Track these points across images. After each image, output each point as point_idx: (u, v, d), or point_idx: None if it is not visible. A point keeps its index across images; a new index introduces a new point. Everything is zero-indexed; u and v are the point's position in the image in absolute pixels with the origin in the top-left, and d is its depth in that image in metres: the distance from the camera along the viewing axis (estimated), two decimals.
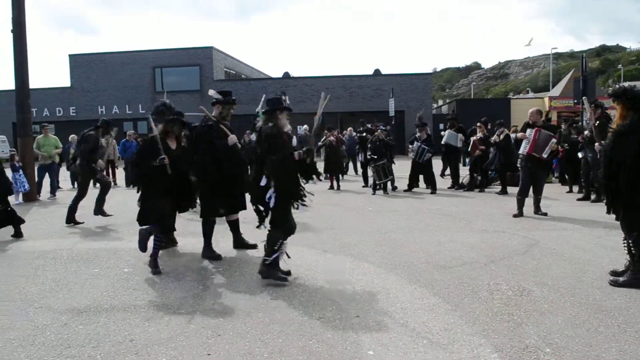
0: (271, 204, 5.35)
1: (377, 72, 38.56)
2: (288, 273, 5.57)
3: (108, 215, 9.78)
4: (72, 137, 17.27)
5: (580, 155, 11.46)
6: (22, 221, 8.46)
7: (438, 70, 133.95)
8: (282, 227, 5.44)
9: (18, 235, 8.29)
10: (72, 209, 9.45)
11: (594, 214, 9.15)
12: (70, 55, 37.62)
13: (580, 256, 6.34)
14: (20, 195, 12.91)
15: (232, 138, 6.58)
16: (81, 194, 9.55)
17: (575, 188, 12.50)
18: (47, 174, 14.21)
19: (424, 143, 13.45)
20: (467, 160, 16.36)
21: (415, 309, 4.60)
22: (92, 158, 9.51)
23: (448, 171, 14.94)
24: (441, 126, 27.74)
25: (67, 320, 4.53)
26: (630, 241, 5.20)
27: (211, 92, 6.89)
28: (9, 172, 12.66)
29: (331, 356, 3.71)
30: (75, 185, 16.62)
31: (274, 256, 5.38)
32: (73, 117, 35.99)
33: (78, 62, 37.27)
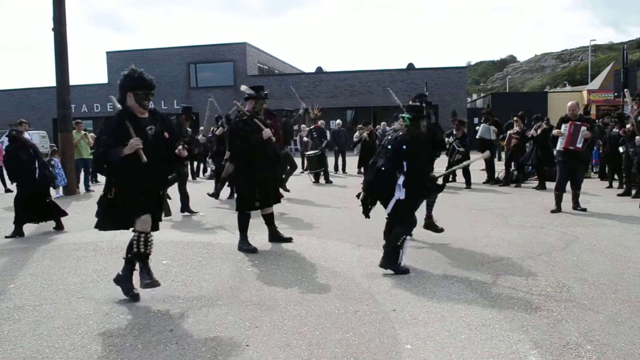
0: (397, 198, 5.66)
1: (410, 66, 38.22)
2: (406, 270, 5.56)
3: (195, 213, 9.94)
4: None
5: (621, 149, 11.17)
6: (64, 214, 8.72)
7: (472, 63, 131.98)
8: (407, 224, 5.71)
9: (59, 227, 8.54)
10: (184, 198, 9.83)
11: (635, 210, 8.92)
12: (107, 52, 38.41)
13: (621, 252, 6.20)
14: (61, 189, 13.26)
15: (266, 132, 6.63)
16: (183, 181, 9.93)
17: (615, 183, 12.20)
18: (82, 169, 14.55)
19: (457, 141, 13.21)
20: (503, 154, 16.12)
21: (453, 304, 4.57)
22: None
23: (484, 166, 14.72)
24: (475, 120, 27.37)
25: (109, 310, 4.64)
26: None
27: (243, 88, 6.97)
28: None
29: (368, 349, 3.71)
30: None
31: (401, 254, 5.55)
32: (110, 113, 36.35)
33: (115, 59, 37.93)
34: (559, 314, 4.29)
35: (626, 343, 3.73)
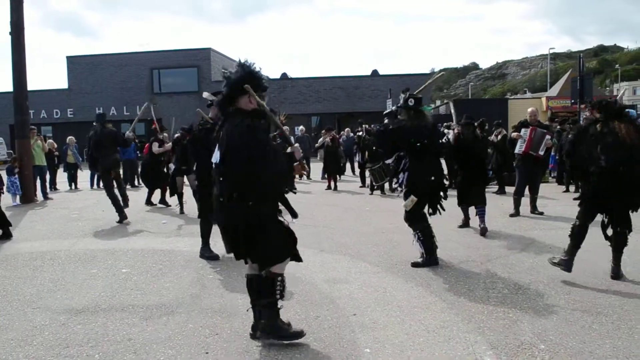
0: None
1: (375, 72, 38.60)
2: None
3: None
4: (70, 139, 17.32)
5: None
6: (9, 224, 8.48)
7: (436, 70, 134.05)
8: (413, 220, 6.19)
9: (7, 236, 8.28)
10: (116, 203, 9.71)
11: None
12: (68, 57, 37.61)
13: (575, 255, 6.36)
14: (18, 197, 12.93)
15: None
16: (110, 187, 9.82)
17: (572, 187, 12.53)
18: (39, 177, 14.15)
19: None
20: None
21: (412, 307, 4.64)
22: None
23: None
24: (440, 127, 27.75)
25: (65, 320, 4.55)
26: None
27: (205, 95, 6.90)
28: (4, 175, 12.73)
29: (328, 354, 3.74)
30: (74, 187, 16.73)
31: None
32: (71, 119, 35.98)
33: (76, 64, 37.25)
34: (515, 315, 4.40)
35: (578, 342, 3.85)
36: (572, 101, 20.26)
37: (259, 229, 3.78)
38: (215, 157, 3.86)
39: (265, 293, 3.88)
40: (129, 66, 36.63)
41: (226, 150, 3.74)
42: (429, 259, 6.01)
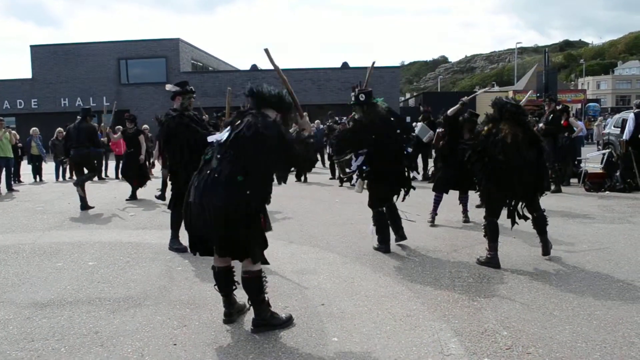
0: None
1: (345, 65, 38.63)
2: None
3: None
4: (34, 130, 16.93)
5: None
6: None
7: (406, 63, 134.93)
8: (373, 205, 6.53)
9: None
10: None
11: (552, 204, 9.41)
12: (31, 46, 36.66)
13: (538, 244, 6.52)
14: None
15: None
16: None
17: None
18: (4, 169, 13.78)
19: None
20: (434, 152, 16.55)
21: (379, 297, 4.71)
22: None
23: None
24: (408, 119, 28.00)
25: (30, 314, 4.48)
26: None
27: (168, 87, 6.83)
28: None
29: (296, 344, 3.78)
30: (39, 179, 16.38)
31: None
32: (35, 110, 35.16)
33: (40, 54, 36.35)
34: (479, 303, 4.51)
35: (539, 328, 3.97)
36: (538, 94, 20.67)
37: (253, 219, 4.00)
38: (222, 135, 4.03)
39: (257, 291, 4.01)
40: (95, 56, 35.89)
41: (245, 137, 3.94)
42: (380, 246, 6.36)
